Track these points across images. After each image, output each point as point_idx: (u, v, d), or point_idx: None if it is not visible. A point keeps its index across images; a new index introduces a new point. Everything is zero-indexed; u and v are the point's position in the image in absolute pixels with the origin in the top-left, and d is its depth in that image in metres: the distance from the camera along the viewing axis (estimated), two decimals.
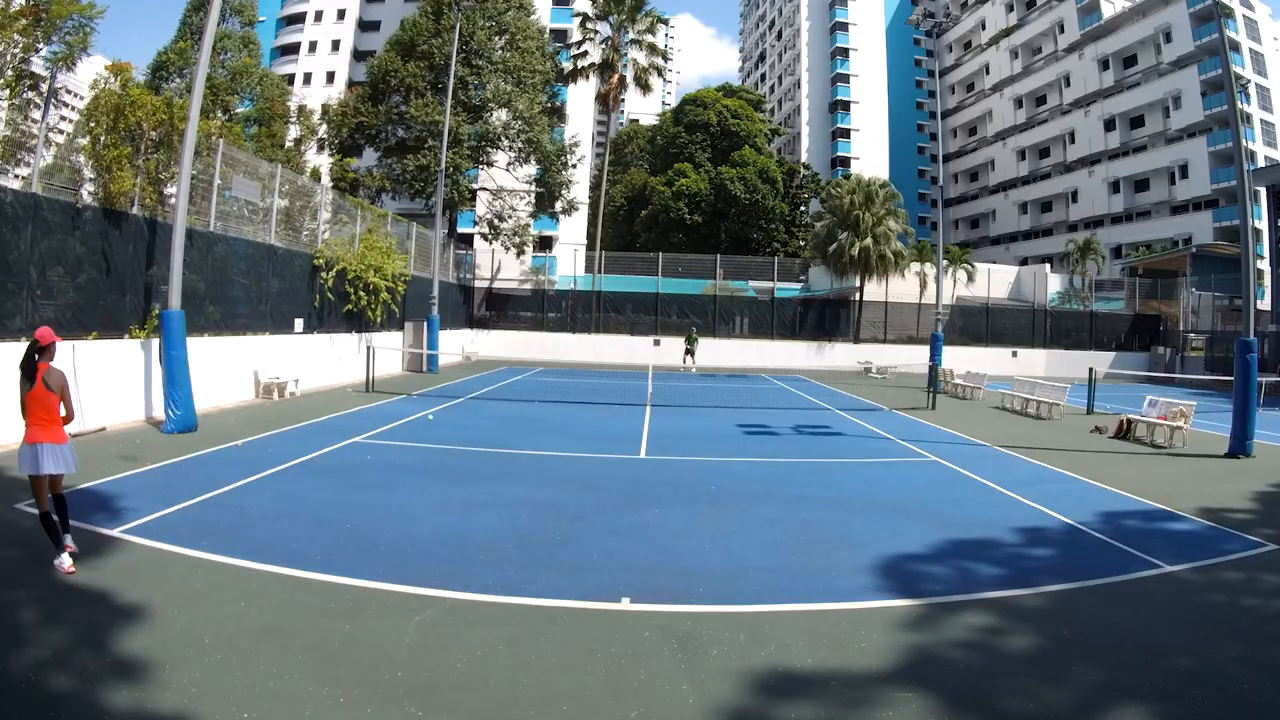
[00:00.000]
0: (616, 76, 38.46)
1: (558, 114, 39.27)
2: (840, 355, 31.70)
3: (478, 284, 32.73)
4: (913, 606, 5.04)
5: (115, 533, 5.88)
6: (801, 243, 51.38)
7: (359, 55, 53.47)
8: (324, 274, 17.14)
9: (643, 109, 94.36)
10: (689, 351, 28.19)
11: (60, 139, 13.68)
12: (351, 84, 44.16)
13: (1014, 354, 32.94)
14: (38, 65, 13.73)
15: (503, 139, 32.37)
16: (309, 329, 16.83)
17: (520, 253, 34.46)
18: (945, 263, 32.32)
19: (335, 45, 56.57)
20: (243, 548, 5.63)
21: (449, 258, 29.11)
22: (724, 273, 34.75)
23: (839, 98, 71.69)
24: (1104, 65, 55.47)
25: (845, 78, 71.48)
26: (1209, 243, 41.58)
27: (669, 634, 4.47)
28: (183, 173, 10.81)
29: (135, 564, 5.25)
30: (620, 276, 35.78)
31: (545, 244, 47.15)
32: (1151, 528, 7.37)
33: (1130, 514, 7.88)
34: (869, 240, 31.57)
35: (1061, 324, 34.95)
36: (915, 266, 34.78)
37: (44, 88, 11.97)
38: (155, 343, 11.18)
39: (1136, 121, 53.76)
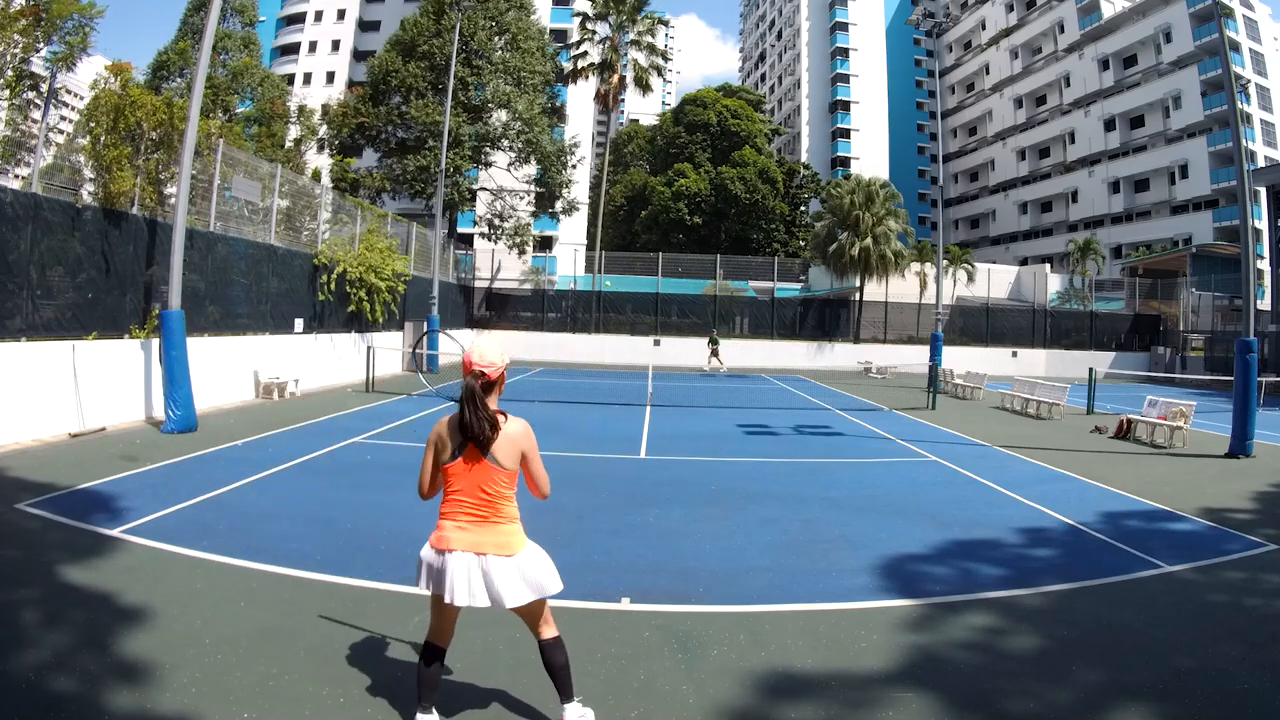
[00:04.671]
0: (616, 77, 38.47)
1: (558, 114, 39.27)
2: (840, 355, 31.71)
3: (478, 284, 32.72)
4: (913, 607, 5.03)
5: (115, 533, 5.88)
6: (801, 243, 51.41)
7: (359, 55, 53.53)
8: (324, 274, 17.13)
9: (643, 109, 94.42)
10: (714, 353, 28.16)
11: (60, 139, 13.66)
12: (351, 84, 44.18)
13: (1014, 354, 32.94)
14: (38, 65, 13.73)
15: (503, 140, 32.37)
16: (309, 329, 16.82)
17: (520, 253, 34.47)
18: (945, 263, 32.32)
19: (335, 45, 56.64)
20: (243, 548, 5.61)
21: (449, 258, 29.10)
22: (724, 273, 34.75)
23: (839, 98, 71.73)
24: (1104, 65, 55.50)
25: (845, 78, 71.53)
26: (1209, 243, 41.61)
27: (669, 634, 4.46)
28: (183, 173, 10.81)
29: (135, 564, 5.24)
30: (620, 276, 35.78)
31: (545, 244, 47.21)
32: (1152, 528, 7.36)
33: (1131, 514, 7.87)
34: (869, 240, 31.59)
35: (1061, 324, 34.94)
36: (915, 266, 34.80)
37: (44, 88, 11.97)
38: (155, 343, 11.18)
39: (1136, 121, 53.78)
